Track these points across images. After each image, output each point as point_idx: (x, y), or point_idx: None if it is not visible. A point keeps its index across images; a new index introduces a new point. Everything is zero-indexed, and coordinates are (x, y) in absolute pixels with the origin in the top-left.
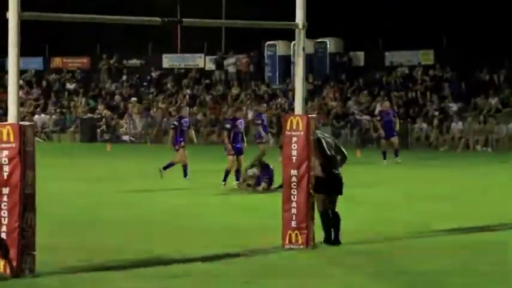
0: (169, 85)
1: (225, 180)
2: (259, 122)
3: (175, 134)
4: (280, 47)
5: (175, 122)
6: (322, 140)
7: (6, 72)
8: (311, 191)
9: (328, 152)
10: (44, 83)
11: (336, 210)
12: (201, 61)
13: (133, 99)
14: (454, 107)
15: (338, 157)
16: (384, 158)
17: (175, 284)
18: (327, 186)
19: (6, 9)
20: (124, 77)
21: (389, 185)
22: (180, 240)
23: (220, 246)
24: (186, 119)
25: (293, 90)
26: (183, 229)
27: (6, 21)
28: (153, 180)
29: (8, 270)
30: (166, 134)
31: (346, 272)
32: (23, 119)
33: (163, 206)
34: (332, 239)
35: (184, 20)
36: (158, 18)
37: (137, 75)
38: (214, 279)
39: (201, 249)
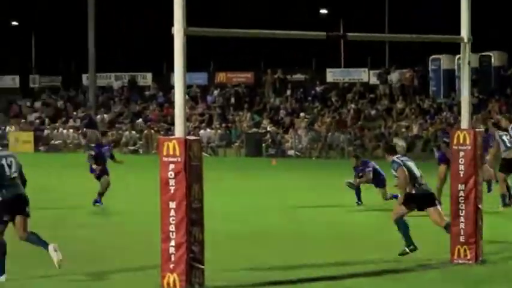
0: (333, 99)
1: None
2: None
3: None
4: (444, 61)
5: None
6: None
7: (173, 87)
8: (479, 206)
9: (417, 172)
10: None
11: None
12: (365, 75)
13: (302, 114)
14: None
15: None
16: None
17: None
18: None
19: (172, 24)
20: (288, 92)
21: None
22: (345, 254)
23: (386, 261)
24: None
25: (458, 104)
26: (347, 243)
27: (173, 36)
28: (318, 195)
29: (177, 285)
30: (331, 148)
31: None
32: (189, 134)
33: (328, 221)
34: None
35: (348, 34)
36: (323, 33)
37: (301, 90)
38: None
39: (366, 264)
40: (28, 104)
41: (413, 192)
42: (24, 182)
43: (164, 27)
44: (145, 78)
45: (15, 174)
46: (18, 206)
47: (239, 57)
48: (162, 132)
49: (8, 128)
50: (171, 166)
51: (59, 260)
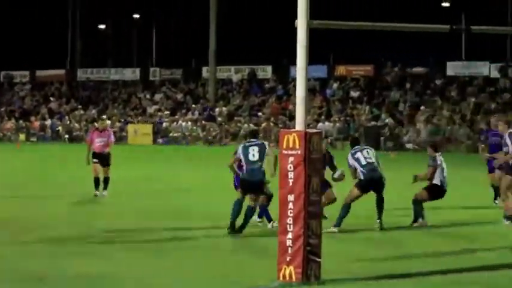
0: (453, 93)
1: None
2: None
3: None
4: None
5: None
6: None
7: (293, 80)
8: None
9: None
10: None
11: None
12: (486, 69)
13: (422, 107)
14: None
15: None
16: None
17: None
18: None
19: (295, 17)
20: (408, 85)
21: None
22: (457, 248)
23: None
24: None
25: None
26: (461, 237)
27: (295, 29)
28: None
29: (294, 277)
30: (450, 142)
31: None
32: (307, 127)
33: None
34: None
35: (473, 27)
36: (447, 26)
37: (421, 83)
38: None
39: (488, 257)
40: (148, 96)
41: None
42: None
43: (285, 19)
44: (265, 71)
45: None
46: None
47: (359, 50)
48: (280, 125)
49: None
50: (291, 159)
51: None
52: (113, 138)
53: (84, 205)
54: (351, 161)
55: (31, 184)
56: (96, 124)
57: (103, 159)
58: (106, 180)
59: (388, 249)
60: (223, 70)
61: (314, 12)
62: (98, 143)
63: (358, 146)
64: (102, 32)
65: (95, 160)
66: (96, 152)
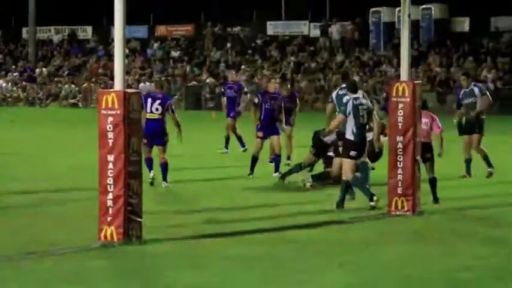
0: (273, 52)
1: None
2: None
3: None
4: (385, 14)
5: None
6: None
7: (113, 40)
8: (417, 158)
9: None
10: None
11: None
12: (306, 28)
13: (243, 67)
14: None
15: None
16: None
17: (280, 250)
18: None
19: None
20: (228, 45)
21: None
22: (277, 209)
23: (323, 213)
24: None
25: (398, 56)
26: (281, 198)
27: None
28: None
29: (115, 237)
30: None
31: (453, 238)
32: (129, 87)
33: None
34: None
35: None
36: None
37: (242, 43)
38: (318, 246)
39: (304, 217)
40: None
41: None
42: None
43: None
44: (85, 32)
45: None
46: None
47: (179, 10)
48: (102, 86)
49: None
50: (110, 119)
51: None
52: None
53: None
54: None
55: None
56: None
57: None
58: None
59: (211, 213)
60: (43, 31)
61: None
62: None
63: None
64: None
65: None
66: None
